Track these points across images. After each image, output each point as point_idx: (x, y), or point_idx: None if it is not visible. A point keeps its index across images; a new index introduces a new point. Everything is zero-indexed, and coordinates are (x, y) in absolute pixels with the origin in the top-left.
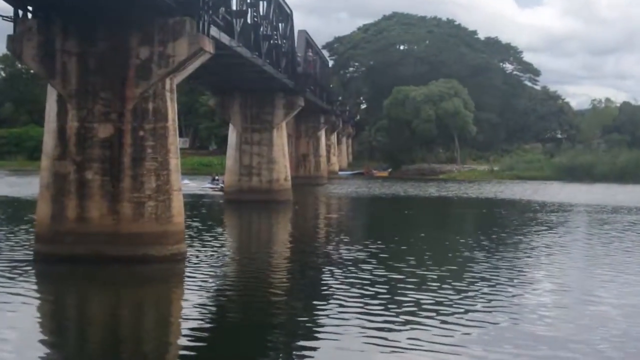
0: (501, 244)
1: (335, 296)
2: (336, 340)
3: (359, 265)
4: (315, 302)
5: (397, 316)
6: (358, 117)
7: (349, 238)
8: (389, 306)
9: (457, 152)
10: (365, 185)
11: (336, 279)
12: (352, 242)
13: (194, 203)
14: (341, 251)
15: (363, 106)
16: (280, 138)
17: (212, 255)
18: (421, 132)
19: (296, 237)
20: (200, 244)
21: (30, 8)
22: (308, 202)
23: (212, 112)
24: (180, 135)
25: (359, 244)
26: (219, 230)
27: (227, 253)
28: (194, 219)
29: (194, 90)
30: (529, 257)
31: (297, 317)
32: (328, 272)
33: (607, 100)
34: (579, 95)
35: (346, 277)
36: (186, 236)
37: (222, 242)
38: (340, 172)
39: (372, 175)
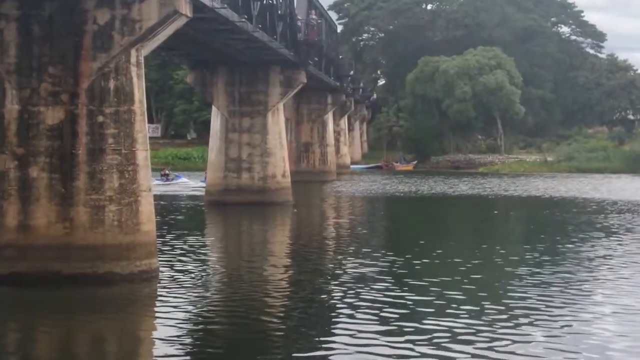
0: (549, 257)
1: (341, 329)
2: None
3: (371, 285)
4: (316, 339)
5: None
6: (375, 96)
7: (361, 250)
8: (410, 340)
9: (500, 138)
10: (384, 181)
11: (343, 305)
12: (364, 255)
13: (167, 207)
14: (349, 268)
15: (381, 82)
16: (277, 124)
17: (190, 273)
18: (455, 114)
19: (295, 251)
20: (175, 259)
21: None
22: (311, 204)
23: (190, 91)
24: (150, 121)
25: (373, 257)
26: (199, 241)
27: (209, 271)
28: (168, 227)
29: (167, 64)
30: (588, 274)
31: (293, 354)
32: (333, 297)
33: None
34: None
35: (355, 302)
36: (158, 249)
37: (203, 256)
38: (352, 166)
39: (392, 169)
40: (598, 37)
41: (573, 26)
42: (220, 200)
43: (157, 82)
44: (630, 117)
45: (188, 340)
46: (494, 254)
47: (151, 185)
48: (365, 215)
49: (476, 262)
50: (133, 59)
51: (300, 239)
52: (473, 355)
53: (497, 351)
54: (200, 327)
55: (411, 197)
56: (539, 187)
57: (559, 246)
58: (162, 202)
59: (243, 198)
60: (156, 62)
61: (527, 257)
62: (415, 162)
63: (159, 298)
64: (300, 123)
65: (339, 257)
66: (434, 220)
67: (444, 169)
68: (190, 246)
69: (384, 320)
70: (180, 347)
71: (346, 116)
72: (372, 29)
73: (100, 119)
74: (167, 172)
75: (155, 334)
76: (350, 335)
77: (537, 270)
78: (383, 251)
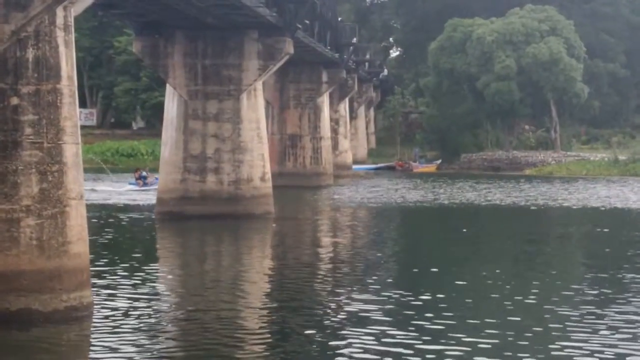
0: (616, 294)
1: None
2: None
3: (371, 328)
4: None
5: None
6: (385, 72)
7: (360, 285)
8: None
9: (554, 130)
10: (397, 187)
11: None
12: (363, 291)
13: (104, 220)
14: (345, 311)
15: (394, 54)
16: (254, 109)
17: (133, 312)
18: (493, 97)
19: (271, 284)
20: (114, 291)
21: None
22: (299, 218)
23: (136, 64)
24: (83, 105)
25: (375, 294)
26: (146, 269)
27: (158, 309)
28: (106, 249)
29: (106, 27)
30: None
31: None
32: (317, 344)
33: None
34: None
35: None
36: (93, 278)
37: (150, 289)
38: (355, 167)
39: (409, 170)
40: None
41: None
42: (176, 211)
43: (92, 51)
44: None
45: None
46: (541, 290)
47: (83, 192)
48: (369, 234)
49: (516, 299)
50: (59, 21)
51: (280, 266)
52: None
53: None
54: None
55: (432, 208)
56: (604, 196)
57: (628, 280)
58: (97, 214)
59: (208, 209)
60: (91, 25)
61: (587, 293)
62: (439, 161)
63: (93, 345)
64: (285, 108)
65: (331, 295)
66: (460, 242)
67: (478, 171)
68: (135, 275)
69: None
70: None
71: (347, 99)
72: None
73: (15, 101)
74: (144, 173)
75: None
76: None
77: (600, 311)
78: (390, 286)
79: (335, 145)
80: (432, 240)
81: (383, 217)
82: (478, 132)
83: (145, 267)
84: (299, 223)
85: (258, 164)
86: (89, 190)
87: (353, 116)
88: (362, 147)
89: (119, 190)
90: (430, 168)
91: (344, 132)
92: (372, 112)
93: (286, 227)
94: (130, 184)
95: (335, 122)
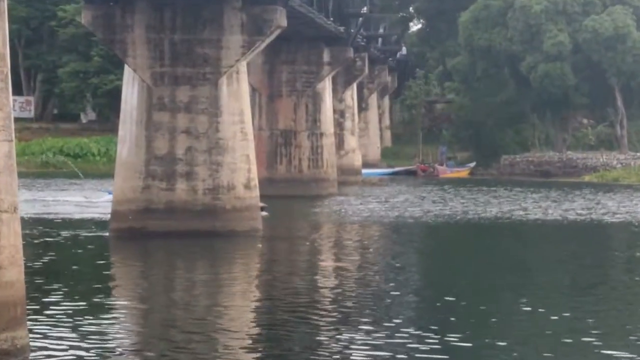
0: None
1: None
2: None
3: None
4: None
5: None
6: (404, 50)
7: (369, 322)
8: None
9: (620, 125)
10: (419, 198)
11: None
12: (373, 330)
13: (45, 238)
14: (350, 356)
15: (415, 27)
16: (236, 98)
17: (80, 353)
18: (542, 82)
19: (255, 322)
20: (56, 329)
21: None
22: (293, 237)
23: (86, 39)
24: (17, 92)
25: (390, 334)
26: (96, 300)
27: (111, 349)
28: (46, 275)
29: None
30: None
31: None
32: None
33: None
34: None
35: None
36: (29, 313)
37: (102, 326)
38: (365, 172)
39: (434, 175)
40: None
41: None
42: (137, 228)
43: (30, 23)
44: None
45: None
46: (609, 332)
47: (17, 203)
48: (382, 260)
49: (572, 342)
50: None
51: (266, 301)
52: None
53: None
54: None
55: (463, 225)
56: None
57: None
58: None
59: (177, 224)
60: None
61: None
62: (472, 164)
63: None
64: (276, 97)
65: (331, 343)
66: (499, 268)
67: (522, 177)
68: (82, 310)
69: None
70: None
71: (355, 85)
72: None
73: None
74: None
75: None
76: None
77: None
78: (407, 326)
79: (340, 144)
80: (463, 267)
81: (400, 236)
82: (522, 128)
83: (95, 300)
84: (292, 243)
85: (242, 167)
86: (57, 201)
87: (363, 107)
88: (374, 147)
89: (97, 202)
90: (462, 173)
91: (351, 128)
92: (386, 102)
93: (276, 248)
94: (111, 193)
95: (340, 114)
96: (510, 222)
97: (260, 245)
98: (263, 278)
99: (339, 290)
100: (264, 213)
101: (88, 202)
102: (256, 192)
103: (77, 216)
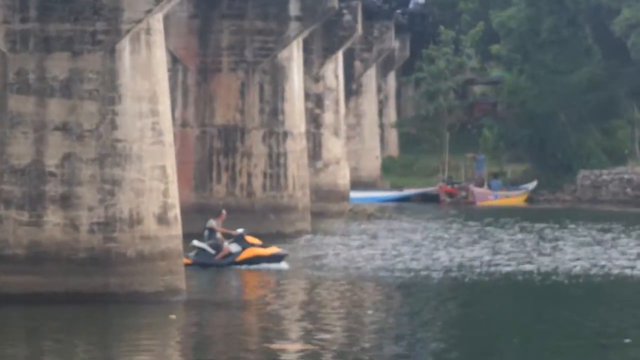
0: None
1: None
2: None
3: None
4: None
5: None
6: None
7: None
8: None
9: None
10: (444, 240)
11: None
12: None
13: None
14: None
15: None
16: (147, 74)
17: None
18: None
19: None
20: None
21: None
22: (232, 305)
23: None
24: None
25: None
26: None
27: None
28: None
29: None
30: None
31: None
32: None
33: None
34: None
35: None
36: None
37: None
38: (356, 196)
39: (469, 201)
40: None
41: None
42: None
43: None
44: None
45: None
46: None
47: None
48: (371, 347)
49: None
50: None
51: None
52: None
53: None
54: None
55: (521, 286)
56: None
57: None
58: None
59: (46, 282)
60: None
61: None
62: (532, 184)
63: None
64: (212, 72)
65: None
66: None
67: (613, 205)
68: None
69: None
70: None
71: (341, 54)
72: None
73: None
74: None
75: None
76: None
77: None
78: None
79: (315, 151)
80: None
81: (407, 300)
82: (614, 126)
83: None
84: (232, 314)
85: (153, 187)
86: None
87: (353, 90)
88: (370, 155)
89: None
90: (514, 199)
91: (334, 124)
92: (392, 82)
93: (203, 324)
94: None
95: (315, 101)
96: (591, 282)
97: (173, 317)
98: None
99: None
100: (283, 265)
101: None
102: (177, 229)
103: None
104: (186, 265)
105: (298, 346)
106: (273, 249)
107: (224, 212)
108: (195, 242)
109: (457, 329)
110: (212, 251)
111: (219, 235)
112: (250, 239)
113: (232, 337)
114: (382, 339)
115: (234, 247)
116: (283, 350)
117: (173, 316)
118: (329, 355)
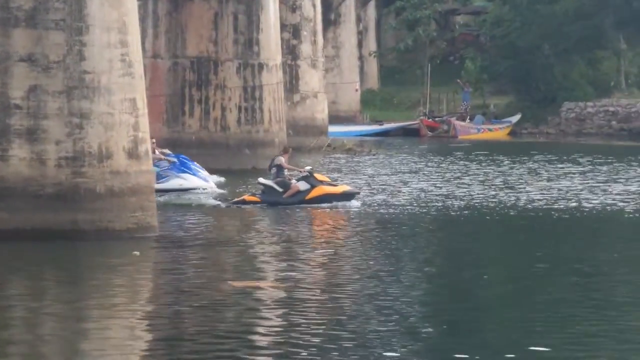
0: None
1: None
2: None
3: None
4: None
5: None
6: None
7: None
8: None
9: None
10: (430, 171)
11: None
12: None
13: None
14: None
15: None
16: (116, 3)
17: None
18: None
19: None
20: None
21: None
22: (206, 241)
23: None
24: None
25: None
26: None
27: None
28: None
29: None
30: None
31: None
32: None
33: None
34: None
35: None
36: None
37: None
38: (334, 130)
39: (451, 135)
40: None
41: None
42: None
43: None
44: None
45: None
46: None
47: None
48: (344, 266)
49: None
50: None
51: None
52: None
53: None
54: None
55: (499, 220)
56: None
57: None
58: None
59: (11, 218)
60: None
61: None
62: (515, 117)
63: None
64: (184, 1)
65: None
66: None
67: (598, 138)
68: None
69: None
70: None
71: None
72: None
73: None
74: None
75: None
76: None
77: None
78: None
79: (292, 84)
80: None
81: (405, 241)
82: (599, 58)
83: None
84: (197, 254)
85: (123, 121)
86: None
87: (332, 20)
88: (350, 88)
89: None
90: (497, 133)
91: (312, 55)
92: (371, 12)
93: (163, 262)
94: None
95: (292, 32)
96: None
97: (137, 254)
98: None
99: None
100: (354, 203)
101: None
102: (148, 164)
103: None
104: (254, 203)
105: (261, 284)
106: (343, 187)
107: (290, 148)
108: (262, 180)
109: (432, 265)
110: (279, 189)
111: (286, 172)
112: (319, 176)
113: (191, 274)
114: (351, 275)
115: (302, 185)
116: (243, 288)
117: (136, 253)
118: (293, 293)
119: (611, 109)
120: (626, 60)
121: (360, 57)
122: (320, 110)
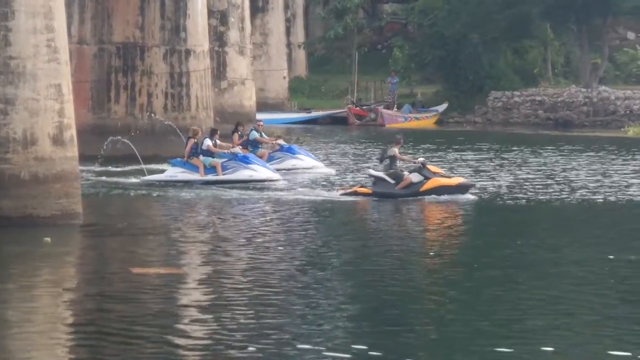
0: None
1: None
2: None
3: None
4: None
5: None
6: None
7: None
8: None
9: None
10: (350, 161)
11: None
12: None
13: None
14: None
15: None
16: None
17: None
18: None
19: None
20: None
21: None
22: (129, 229)
23: None
24: None
25: None
26: None
27: None
28: None
29: None
30: None
31: None
32: None
33: None
34: None
35: None
36: None
37: None
38: (263, 117)
39: (378, 123)
40: None
41: None
42: None
43: None
44: None
45: None
46: None
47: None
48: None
49: None
50: None
51: None
52: None
53: None
54: None
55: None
56: None
57: None
58: None
59: None
60: None
61: None
62: (442, 106)
63: None
64: None
65: None
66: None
67: (524, 127)
68: None
69: None
70: None
71: None
72: None
73: None
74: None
75: None
76: None
77: None
78: None
79: (220, 71)
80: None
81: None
82: (526, 47)
83: None
84: (119, 239)
85: (49, 107)
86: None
87: (259, 7)
88: (277, 76)
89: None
90: (424, 121)
91: (240, 42)
92: (300, 0)
93: (80, 249)
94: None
95: (219, 18)
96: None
97: (48, 240)
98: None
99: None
100: (469, 196)
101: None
102: (73, 150)
103: None
104: (366, 195)
105: (161, 270)
106: (458, 179)
107: (401, 139)
108: (372, 171)
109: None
110: (391, 181)
111: (399, 163)
112: (432, 168)
113: (97, 261)
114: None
115: (415, 177)
116: (143, 275)
117: (47, 239)
118: (190, 279)
119: (538, 98)
120: (553, 50)
121: (289, 45)
122: (248, 97)
